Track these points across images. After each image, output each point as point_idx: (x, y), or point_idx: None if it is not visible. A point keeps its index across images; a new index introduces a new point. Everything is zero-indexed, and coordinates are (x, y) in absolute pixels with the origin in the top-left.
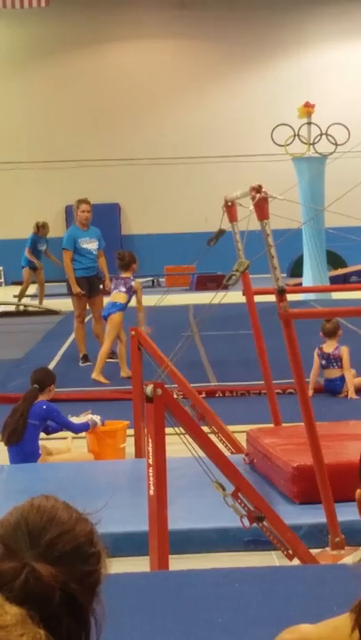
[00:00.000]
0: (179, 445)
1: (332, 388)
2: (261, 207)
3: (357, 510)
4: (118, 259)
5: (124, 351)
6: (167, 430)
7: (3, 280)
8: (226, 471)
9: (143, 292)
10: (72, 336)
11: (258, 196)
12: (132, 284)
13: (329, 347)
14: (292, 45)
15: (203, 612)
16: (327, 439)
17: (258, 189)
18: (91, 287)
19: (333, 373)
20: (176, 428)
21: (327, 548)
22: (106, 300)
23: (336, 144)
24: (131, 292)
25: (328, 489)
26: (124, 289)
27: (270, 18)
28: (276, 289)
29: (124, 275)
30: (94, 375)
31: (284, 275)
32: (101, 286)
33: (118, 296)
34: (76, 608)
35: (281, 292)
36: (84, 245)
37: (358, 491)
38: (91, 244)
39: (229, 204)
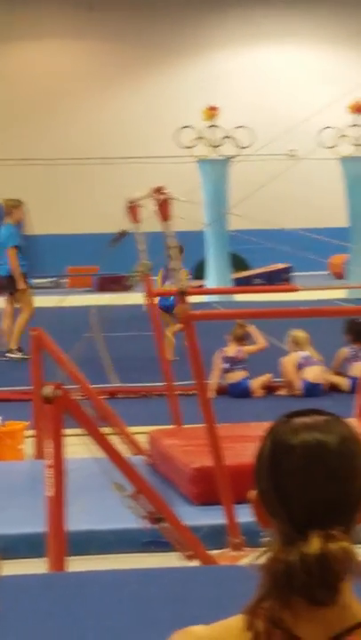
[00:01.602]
0: (79, 446)
1: (237, 391)
2: (164, 208)
3: (253, 512)
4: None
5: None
6: (68, 431)
7: None
8: (125, 472)
9: (47, 292)
10: None
11: (160, 197)
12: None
13: (232, 350)
14: (197, 48)
15: (101, 613)
16: (228, 440)
17: (159, 190)
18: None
19: (237, 376)
20: (76, 429)
21: (227, 550)
22: None
23: (240, 147)
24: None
25: (228, 490)
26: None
27: (176, 21)
28: (178, 290)
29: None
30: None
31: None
32: None
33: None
34: None
35: (182, 294)
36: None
37: (252, 492)
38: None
39: (131, 204)
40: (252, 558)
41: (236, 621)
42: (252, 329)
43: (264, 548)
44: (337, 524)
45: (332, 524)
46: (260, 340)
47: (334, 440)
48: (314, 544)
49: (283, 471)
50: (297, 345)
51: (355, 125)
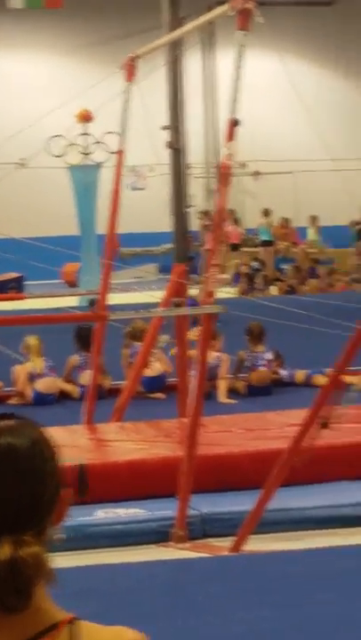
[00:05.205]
0: None
1: None
2: None
3: None
4: None
5: None
6: None
7: None
8: None
9: None
10: None
11: None
12: None
13: None
14: None
15: None
16: None
17: None
18: None
19: None
20: None
21: None
22: None
23: None
24: None
25: None
26: None
27: None
28: None
29: None
30: None
31: None
32: None
33: None
34: None
35: None
36: None
37: None
38: None
39: None
40: None
41: None
42: None
43: None
44: (29, 529)
45: (24, 528)
46: None
47: (25, 443)
48: (4, 550)
49: None
50: (29, 352)
51: (83, 134)
